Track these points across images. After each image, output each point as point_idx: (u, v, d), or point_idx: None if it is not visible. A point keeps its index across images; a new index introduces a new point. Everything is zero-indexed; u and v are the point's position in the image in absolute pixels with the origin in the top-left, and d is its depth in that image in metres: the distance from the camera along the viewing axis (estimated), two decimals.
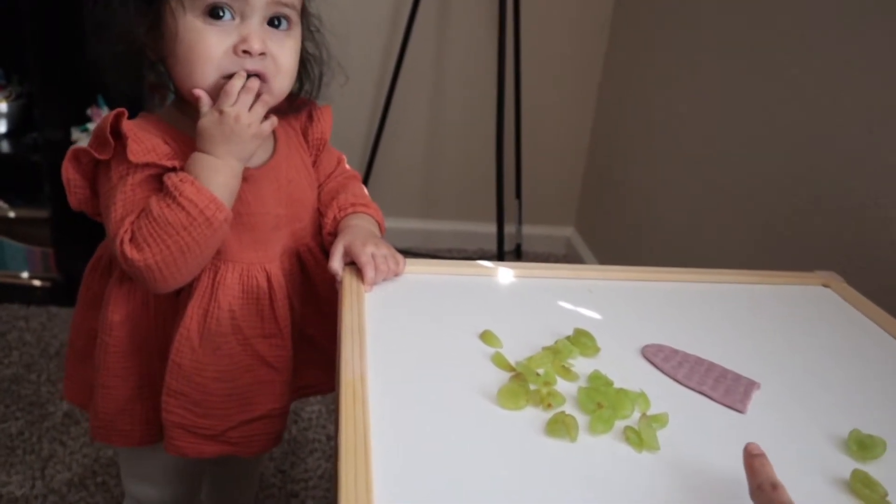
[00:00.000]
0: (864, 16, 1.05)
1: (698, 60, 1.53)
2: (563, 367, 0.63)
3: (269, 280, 0.79)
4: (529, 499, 0.49)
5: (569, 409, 0.58)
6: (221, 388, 0.79)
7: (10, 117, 1.74)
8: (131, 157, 0.70)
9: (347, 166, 0.91)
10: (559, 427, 0.54)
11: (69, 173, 0.75)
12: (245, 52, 0.70)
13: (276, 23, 0.73)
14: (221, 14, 0.70)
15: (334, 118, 0.89)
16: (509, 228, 2.11)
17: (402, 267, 0.76)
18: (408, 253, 0.80)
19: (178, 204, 0.69)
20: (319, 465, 1.36)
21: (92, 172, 0.76)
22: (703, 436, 0.57)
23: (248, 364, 0.80)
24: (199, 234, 0.69)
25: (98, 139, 0.72)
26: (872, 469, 0.54)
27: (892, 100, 0.98)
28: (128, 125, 0.71)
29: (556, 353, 0.64)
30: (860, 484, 0.52)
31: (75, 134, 1.67)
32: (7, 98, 1.73)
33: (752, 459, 0.48)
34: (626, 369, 0.64)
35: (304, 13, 0.79)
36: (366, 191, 0.89)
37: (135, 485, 0.95)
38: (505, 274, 0.80)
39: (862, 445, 0.56)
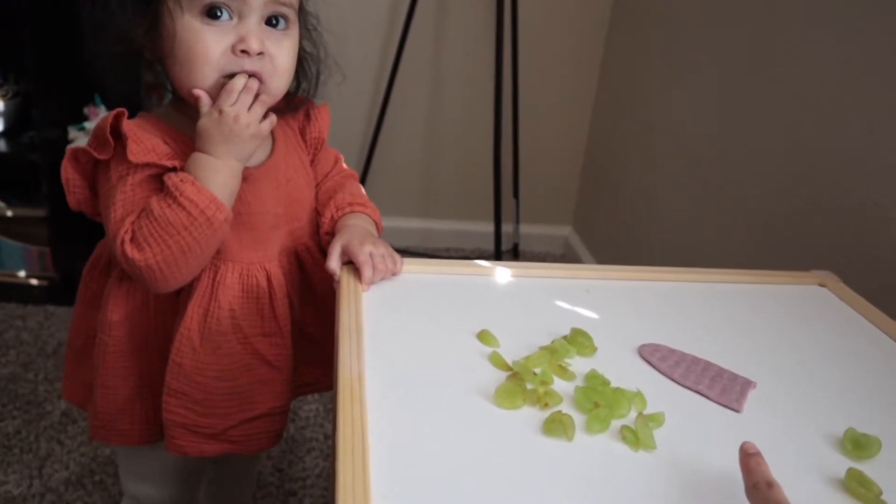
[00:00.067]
0: (864, 16, 1.05)
1: (696, 60, 1.54)
2: (560, 366, 0.63)
3: (268, 279, 0.80)
4: (526, 498, 0.49)
5: (566, 408, 0.58)
6: (222, 387, 0.79)
7: (7, 116, 1.73)
8: (131, 158, 0.70)
9: (345, 165, 0.91)
10: (556, 426, 0.55)
11: (68, 173, 0.75)
12: (243, 51, 0.70)
13: (274, 22, 0.73)
14: (219, 14, 0.70)
15: (332, 117, 0.89)
16: (507, 228, 2.11)
17: (400, 266, 0.76)
18: (405, 252, 0.80)
19: (179, 204, 0.69)
20: (317, 464, 1.36)
21: (91, 172, 0.76)
22: (700, 435, 0.57)
23: (249, 363, 0.80)
24: (200, 234, 0.70)
25: (98, 139, 0.72)
26: (867, 468, 0.54)
27: (891, 100, 0.99)
28: (128, 125, 0.71)
29: (553, 353, 0.64)
30: (855, 483, 0.52)
31: (72, 133, 1.67)
32: (4, 97, 1.73)
33: (748, 458, 0.48)
34: (622, 369, 0.64)
35: (302, 12, 0.79)
36: (363, 190, 0.89)
37: (133, 484, 0.95)
38: (502, 273, 0.80)
39: (857, 444, 0.57)
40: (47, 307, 1.76)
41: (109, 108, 1.68)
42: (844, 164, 1.07)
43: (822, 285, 0.85)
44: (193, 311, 0.77)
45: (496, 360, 0.63)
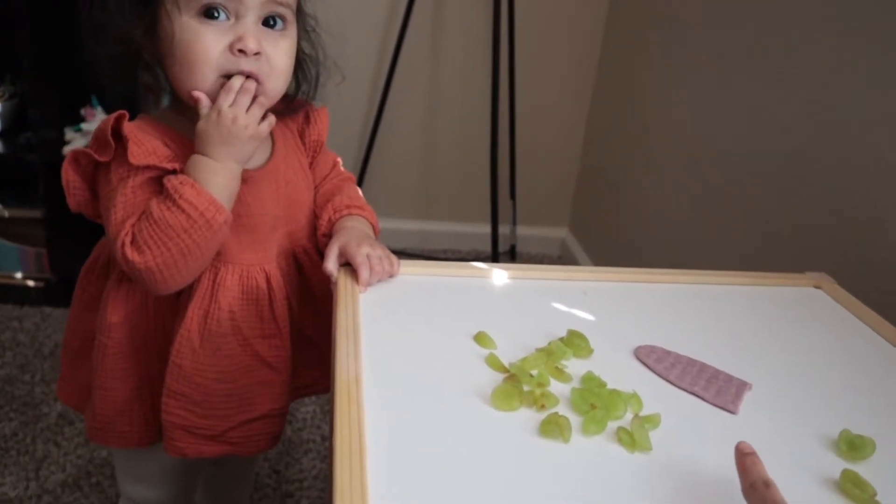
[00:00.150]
0: (861, 18, 1.05)
1: (693, 61, 1.54)
2: (557, 368, 0.63)
3: (268, 281, 0.80)
4: (523, 499, 0.49)
5: (562, 410, 0.58)
6: (222, 388, 0.79)
7: (4, 117, 1.73)
8: (132, 160, 0.70)
9: (343, 169, 0.92)
10: (552, 428, 0.55)
11: (69, 175, 0.75)
12: (240, 51, 0.71)
13: (272, 23, 0.73)
14: (216, 14, 0.70)
15: (329, 118, 0.89)
16: (504, 229, 2.12)
17: (397, 268, 0.76)
18: (402, 253, 0.80)
19: (178, 206, 0.69)
20: (314, 466, 1.36)
21: (92, 174, 0.76)
22: (695, 436, 0.58)
23: (248, 364, 0.80)
24: (200, 237, 0.70)
25: (98, 141, 0.72)
26: (862, 469, 0.54)
27: (887, 102, 0.99)
28: (128, 127, 0.71)
29: (550, 355, 0.64)
30: (850, 484, 0.53)
31: (69, 134, 1.67)
32: (1, 98, 1.73)
33: (744, 458, 0.49)
34: (618, 370, 0.64)
35: (301, 13, 0.79)
36: (361, 193, 0.89)
37: (131, 485, 0.95)
38: (499, 275, 0.80)
39: (852, 446, 0.57)
40: (44, 308, 1.75)
41: (107, 109, 1.68)
42: (840, 167, 1.07)
43: (817, 287, 0.86)
44: (193, 312, 0.77)
45: (493, 362, 0.63)
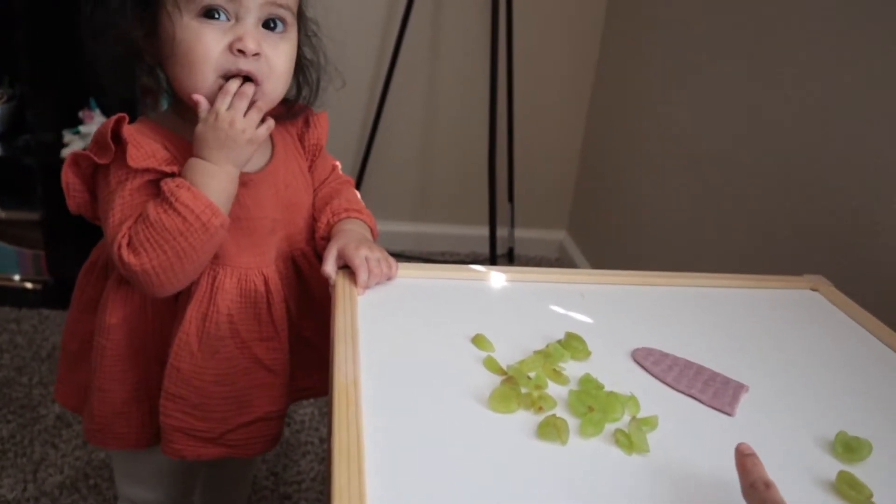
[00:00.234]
0: (857, 22, 1.06)
1: (691, 63, 1.55)
2: (555, 370, 0.63)
3: (266, 284, 0.80)
4: (521, 501, 0.49)
5: (560, 412, 0.58)
6: (220, 391, 0.79)
7: (2, 119, 1.73)
8: (130, 163, 0.70)
9: (341, 173, 0.92)
10: (550, 430, 0.55)
11: (68, 177, 0.75)
12: (240, 51, 0.71)
13: (272, 25, 0.74)
14: (217, 15, 0.71)
15: (329, 122, 0.89)
16: (502, 232, 2.12)
17: (395, 270, 0.76)
18: (400, 256, 0.81)
19: (175, 209, 0.69)
20: (312, 468, 1.36)
21: (91, 176, 0.76)
22: (692, 438, 0.58)
23: (247, 367, 0.80)
24: (196, 240, 0.70)
25: (98, 144, 0.72)
26: (858, 471, 0.55)
27: (885, 104, 0.99)
28: (128, 130, 0.71)
29: (548, 357, 0.65)
30: (846, 485, 0.53)
31: (67, 136, 1.67)
32: None
33: (744, 459, 0.49)
34: (616, 373, 0.65)
35: (302, 17, 0.79)
36: (359, 197, 0.89)
37: (129, 487, 0.95)
38: (497, 278, 0.81)
39: (848, 447, 0.57)
40: (42, 311, 1.75)
41: (105, 112, 1.68)
42: (837, 170, 1.07)
43: (814, 290, 0.86)
44: (192, 315, 0.77)
45: (491, 365, 0.63)
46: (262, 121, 0.74)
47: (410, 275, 0.78)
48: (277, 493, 1.30)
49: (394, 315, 0.70)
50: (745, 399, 0.63)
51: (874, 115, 1.01)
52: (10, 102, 1.74)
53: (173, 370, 0.78)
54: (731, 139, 1.36)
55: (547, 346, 0.67)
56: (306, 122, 0.86)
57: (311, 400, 1.50)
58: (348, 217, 0.84)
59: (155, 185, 0.72)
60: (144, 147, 0.72)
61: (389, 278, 0.76)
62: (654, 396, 0.62)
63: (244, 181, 0.76)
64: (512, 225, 2.16)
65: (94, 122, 1.66)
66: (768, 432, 0.60)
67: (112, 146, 0.71)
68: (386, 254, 0.77)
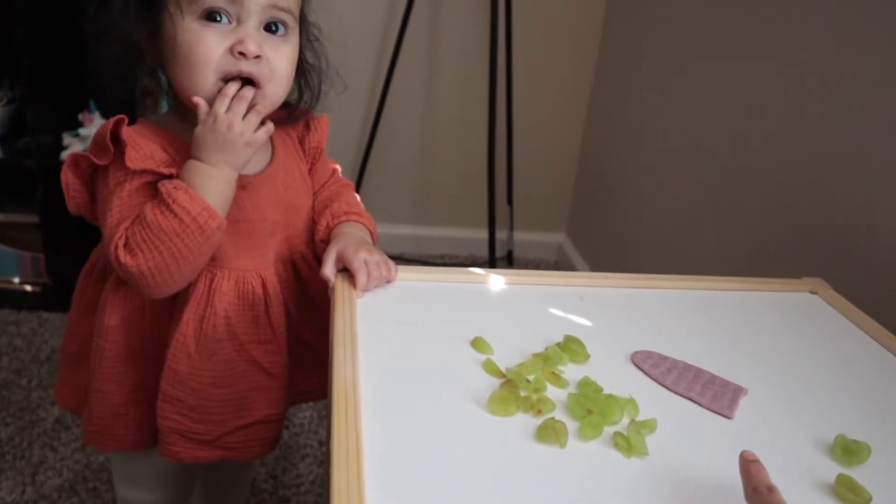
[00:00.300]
0: (857, 22, 1.06)
1: (691, 65, 1.55)
2: (554, 373, 0.63)
3: (264, 286, 0.80)
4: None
5: (559, 415, 0.58)
6: (218, 393, 0.79)
7: (2, 122, 1.73)
8: (129, 164, 0.71)
9: (342, 176, 0.92)
10: (549, 433, 0.55)
11: (68, 178, 0.76)
12: (241, 53, 0.71)
13: (274, 28, 0.74)
14: (218, 18, 0.71)
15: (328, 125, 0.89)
16: (501, 234, 2.12)
17: (395, 273, 0.76)
18: (399, 259, 0.81)
19: (171, 211, 0.69)
20: (311, 471, 1.36)
21: (91, 177, 0.77)
22: (691, 441, 0.58)
23: (245, 370, 0.80)
24: (192, 241, 0.70)
25: (97, 145, 0.73)
26: (857, 474, 0.55)
27: (883, 106, 0.99)
28: (127, 132, 0.72)
29: (547, 360, 0.65)
30: (845, 488, 0.53)
31: (67, 139, 1.67)
32: None
33: (748, 465, 0.49)
34: (615, 376, 0.65)
35: (304, 22, 0.80)
36: (359, 200, 0.89)
37: (127, 489, 0.95)
38: (496, 281, 0.81)
39: (847, 450, 0.57)
40: (41, 313, 1.75)
41: (105, 114, 1.68)
42: (835, 172, 1.08)
43: (813, 293, 0.86)
44: (189, 317, 0.77)
45: (490, 368, 0.63)
46: (262, 124, 0.74)
47: (410, 278, 0.78)
48: (276, 496, 1.30)
49: (393, 318, 0.70)
50: (743, 402, 0.63)
51: (874, 117, 1.01)
52: (10, 105, 1.74)
53: (170, 372, 0.78)
54: (730, 142, 1.36)
55: (546, 348, 0.67)
56: (307, 126, 0.87)
57: (310, 403, 1.50)
58: (348, 220, 0.84)
59: (153, 186, 0.73)
60: (143, 148, 0.72)
61: (389, 281, 0.76)
62: (652, 399, 0.62)
63: (243, 184, 0.76)
64: (511, 228, 2.16)
65: (94, 125, 1.66)
66: (767, 435, 0.60)
67: (111, 147, 0.71)
68: (385, 257, 0.77)
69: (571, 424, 0.57)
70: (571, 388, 0.62)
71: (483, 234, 2.00)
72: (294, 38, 0.76)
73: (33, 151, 1.65)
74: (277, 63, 0.74)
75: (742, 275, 0.89)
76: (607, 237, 1.99)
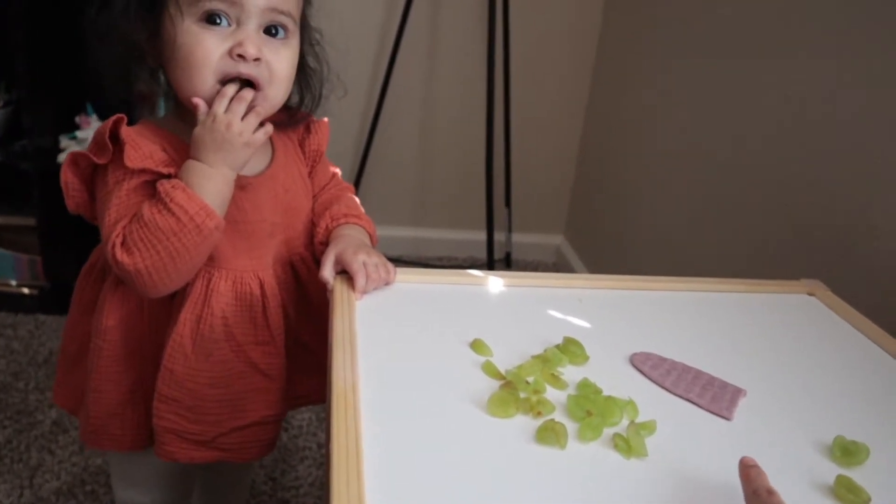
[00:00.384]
0: (857, 23, 1.06)
1: (689, 67, 1.55)
2: (553, 375, 0.63)
3: (262, 288, 0.80)
4: None
5: (558, 416, 0.58)
6: (214, 394, 0.79)
7: None
8: (128, 163, 0.71)
9: (341, 179, 0.92)
10: (549, 434, 0.55)
11: (67, 177, 0.76)
12: (240, 56, 0.71)
13: (273, 31, 0.74)
14: (218, 21, 0.71)
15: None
16: (499, 236, 2.12)
17: (393, 276, 0.76)
18: (398, 261, 0.81)
19: (169, 210, 0.69)
20: (310, 473, 1.36)
21: (90, 176, 0.77)
22: (691, 443, 0.58)
23: (242, 371, 0.80)
24: (189, 241, 0.70)
25: (97, 144, 0.73)
26: (856, 475, 0.55)
27: (883, 107, 1.00)
28: (126, 131, 0.72)
29: (546, 362, 0.65)
30: (844, 489, 0.53)
31: (64, 142, 1.67)
32: None
33: (748, 469, 0.49)
34: (614, 377, 0.65)
35: (305, 26, 0.80)
36: (359, 203, 0.89)
37: (125, 491, 0.95)
38: (495, 283, 0.81)
39: (846, 451, 0.57)
40: (38, 316, 1.75)
41: (102, 117, 1.68)
42: (834, 173, 1.08)
43: (811, 294, 0.86)
44: (186, 317, 0.77)
45: (489, 369, 0.63)
46: (261, 125, 0.74)
47: (409, 280, 0.78)
48: (275, 497, 1.30)
49: (392, 320, 0.70)
50: (742, 403, 0.63)
51: (873, 118, 1.01)
52: (7, 107, 1.73)
53: (167, 372, 0.78)
54: (729, 142, 1.36)
55: (545, 350, 0.67)
56: (307, 129, 0.87)
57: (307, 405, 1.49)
58: (347, 223, 0.84)
59: (152, 186, 0.73)
60: (142, 148, 0.72)
61: (388, 283, 0.76)
62: (652, 400, 0.62)
63: (243, 184, 0.76)
64: (509, 230, 2.17)
65: (91, 128, 1.66)
66: (766, 436, 0.60)
67: (110, 146, 0.72)
68: (384, 259, 0.77)
69: (571, 426, 0.57)
70: (571, 390, 0.62)
71: (481, 235, 2.00)
72: (294, 42, 0.77)
73: (30, 154, 1.64)
74: (277, 66, 0.74)
75: (741, 276, 0.89)
76: (605, 239, 1.99)
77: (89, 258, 0.85)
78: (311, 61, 0.82)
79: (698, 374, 0.67)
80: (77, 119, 1.68)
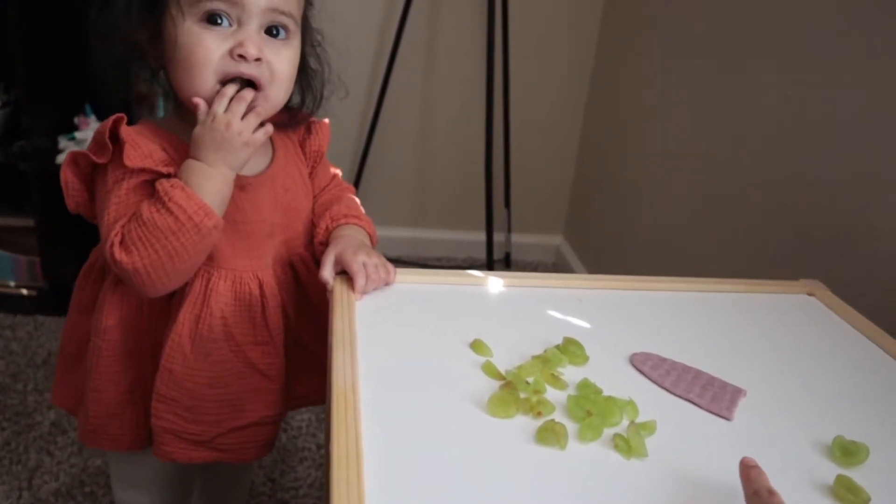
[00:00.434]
0: (857, 23, 1.06)
1: (688, 67, 1.55)
2: (553, 375, 0.63)
3: (261, 288, 0.80)
4: None
5: (558, 417, 0.58)
6: (212, 394, 0.79)
7: None
8: (127, 162, 0.71)
9: (342, 180, 0.92)
10: (549, 435, 0.55)
11: (67, 176, 0.76)
12: (241, 56, 0.71)
13: (275, 32, 0.74)
14: (219, 21, 0.72)
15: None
16: (498, 237, 2.12)
17: (393, 276, 0.76)
18: (397, 261, 0.81)
19: (167, 209, 0.69)
20: (309, 474, 1.36)
21: (90, 176, 0.77)
22: (691, 443, 0.58)
23: (240, 371, 0.80)
24: (188, 240, 0.70)
25: (97, 143, 0.73)
26: (856, 475, 0.55)
27: (882, 107, 1.00)
28: (126, 130, 0.72)
29: (546, 362, 0.65)
30: (844, 489, 0.53)
31: (63, 142, 1.66)
32: None
33: (749, 470, 0.49)
34: (614, 377, 0.65)
35: (307, 27, 0.80)
36: (359, 203, 0.89)
37: (124, 492, 0.95)
38: (495, 283, 0.81)
39: (846, 451, 0.57)
40: (37, 317, 1.75)
41: (100, 117, 1.68)
42: (833, 173, 1.08)
43: (810, 294, 0.86)
44: (185, 317, 0.77)
45: (489, 370, 0.63)
46: (262, 126, 0.74)
47: (408, 280, 0.78)
48: (275, 498, 1.30)
49: (392, 320, 0.70)
50: (742, 403, 0.63)
51: (872, 118, 1.01)
52: (6, 108, 1.73)
53: (165, 371, 0.78)
54: (729, 143, 1.36)
55: (545, 350, 0.67)
56: (308, 129, 0.87)
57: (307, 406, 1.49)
58: (347, 223, 0.84)
59: (151, 185, 0.73)
60: (142, 147, 0.72)
61: (387, 284, 0.76)
62: (652, 401, 0.62)
63: (242, 184, 0.76)
64: (509, 230, 2.16)
65: (90, 129, 1.66)
66: (766, 436, 0.60)
67: (110, 146, 0.72)
68: (384, 259, 0.77)
69: (571, 426, 0.57)
70: (571, 390, 0.62)
71: (481, 236, 2.00)
72: (295, 42, 0.77)
73: (29, 155, 1.64)
74: (278, 66, 0.74)
75: (741, 276, 0.89)
76: (605, 239, 1.99)
77: (89, 258, 0.85)
78: (312, 62, 0.82)
79: (698, 374, 0.67)
80: (76, 120, 1.68)
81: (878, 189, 0.98)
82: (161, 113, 1.59)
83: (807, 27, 1.16)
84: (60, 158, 1.62)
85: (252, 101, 0.73)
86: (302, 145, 0.87)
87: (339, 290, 0.73)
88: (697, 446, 0.57)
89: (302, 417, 1.49)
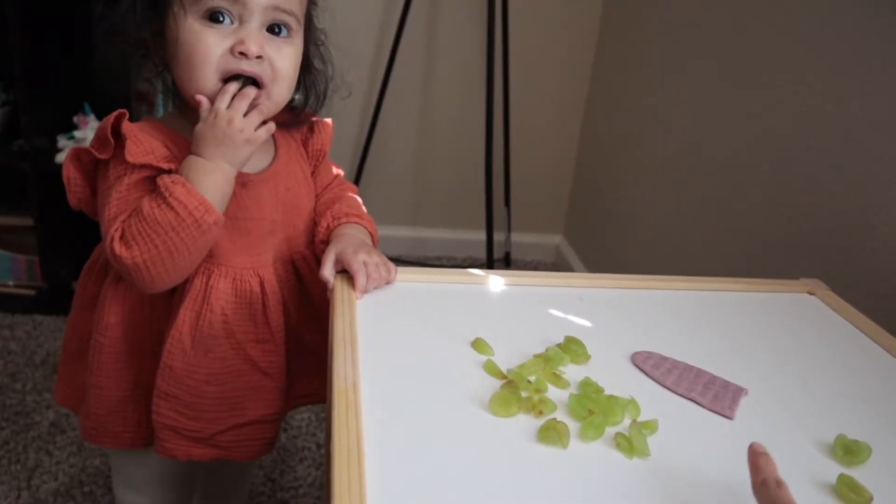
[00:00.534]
0: (856, 24, 1.06)
1: (687, 68, 1.55)
2: (555, 374, 0.63)
3: (262, 285, 0.80)
4: None
5: (560, 415, 0.58)
6: (212, 391, 0.79)
7: None
8: (128, 158, 0.71)
9: (344, 180, 0.92)
10: (551, 434, 0.55)
11: (70, 172, 0.76)
12: (241, 53, 0.71)
13: (276, 30, 0.74)
14: (221, 19, 0.72)
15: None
16: (498, 236, 2.12)
17: (394, 275, 0.76)
18: (397, 261, 0.80)
19: (168, 204, 0.69)
20: (309, 474, 1.35)
21: (92, 172, 0.77)
22: (693, 442, 0.58)
23: (241, 368, 0.80)
24: (188, 235, 0.70)
25: (99, 139, 0.73)
26: (858, 474, 0.55)
27: (880, 108, 1.00)
28: (128, 126, 0.72)
29: (547, 361, 0.64)
30: (846, 488, 0.53)
31: (62, 141, 1.66)
32: None
33: (757, 457, 0.48)
34: (616, 376, 0.65)
35: (310, 26, 0.80)
36: (361, 202, 0.89)
37: (125, 492, 0.94)
38: (496, 282, 0.81)
39: (848, 450, 0.57)
40: (35, 317, 1.74)
41: (99, 116, 1.67)
42: (833, 173, 1.08)
43: (811, 293, 0.86)
44: (185, 314, 0.77)
45: (491, 369, 0.63)
46: (264, 124, 0.74)
47: (409, 279, 0.78)
48: (274, 498, 1.30)
49: (393, 319, 0.70)
50: (744, 402, 0.63)
51: (871, 119, 1.01)
52: (5, 107, 1.73)
53: (166, 368, 0.78)
54: (728, 143, 1.36)
55: (546, 349, 0.67)
56: (310, 128, 0.87)
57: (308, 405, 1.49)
58: (348, 222, 0.84)
59: (153, 181, 0.73)
60: (143, 143, 0.72)
61: (388, 283, 0.76)
62: (653, 400, 0.62)
63: (244, 182, 0.76)
64: (508, 229, 2.16)
65: (89, 128, 1.66)
66: (768, 436, 0.59)
67: (112, 141, 0.72)
68: (385, 258, 0.77)
69: (573, 425, 0.57)
70: (572, 389, 0.62)
71: (480, 235, 2.00)
72: (297, 41, 0.77)
73: (28, 154, 1.64)
74: (280, 64, 0.74)
75: (740, 276, 0.89)
76: (604, 239, 1.99)
77: (91, 255, 0.85)
78: (316, 61, 0.82)
79: (699, 373, 0.67)
80: (75, 119, 1.68)
81: (879, 189, 0.98)
82: (161, 112, 1.59)
83: (806, 28, 1.16)
84: (59, 157, 1.62)
85: (255, 99, 0.73)
86: (304, 144, 0.87)
87: (339, 289, 0.73)
88: (699, 445, 0.57)
89: (302, 417, 1.49)
